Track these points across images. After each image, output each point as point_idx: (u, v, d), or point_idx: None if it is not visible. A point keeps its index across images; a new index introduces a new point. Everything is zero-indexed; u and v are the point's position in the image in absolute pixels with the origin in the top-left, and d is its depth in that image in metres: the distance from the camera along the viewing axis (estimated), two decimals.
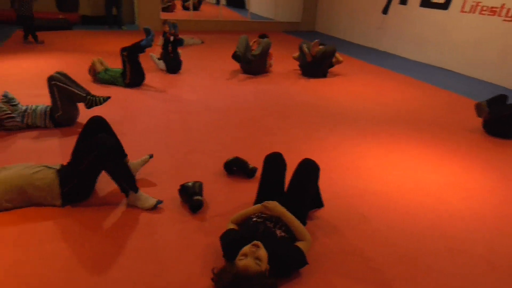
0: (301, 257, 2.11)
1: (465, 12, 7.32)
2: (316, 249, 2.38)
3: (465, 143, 4.20)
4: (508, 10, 6.56)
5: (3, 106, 3.73)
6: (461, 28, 7.41)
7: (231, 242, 2.13)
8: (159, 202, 2.70)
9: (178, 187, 2.82)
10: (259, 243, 1.98)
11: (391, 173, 3.45)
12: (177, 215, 2.65)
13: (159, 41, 6.85)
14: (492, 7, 6.83)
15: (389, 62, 8.20)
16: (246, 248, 1.95)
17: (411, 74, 7.20)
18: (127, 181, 2.67)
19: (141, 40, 5.29)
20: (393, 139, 4.18)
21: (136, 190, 2.68)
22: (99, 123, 2.93)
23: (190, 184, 2.79)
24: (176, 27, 6.54)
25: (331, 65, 6.76)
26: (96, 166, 2.62)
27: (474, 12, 7.16)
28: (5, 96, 3.84)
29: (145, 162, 3.14)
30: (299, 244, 2.16)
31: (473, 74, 7.21)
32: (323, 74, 6.65)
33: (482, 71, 7.04)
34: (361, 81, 6.55)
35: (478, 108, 4.52)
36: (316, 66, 6.51)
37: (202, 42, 9.14)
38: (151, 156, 3.16)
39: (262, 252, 1.95)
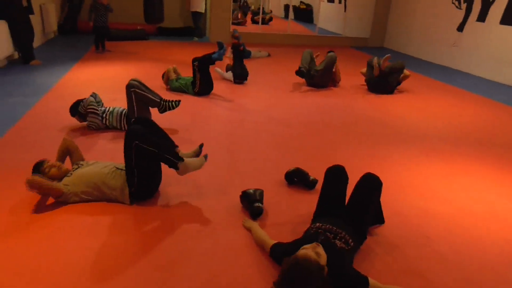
0: (362, 285, 2.03)
1: None
2: (376, 266, 2.35)
3: None
4: None
5: (93, 100, 4.08)
6: None
7: (285, 254, 2.11)
8: (206, 156, 2.90)
9: (240, 193, 2.91)
10: (319, 244, 2.02)
11: (457, 195, 3.29)
12: (238, 220, 2.73)
13: (228, 53, 7.12)
14: None
15: (461, 80, 7.83)
16: (307, 245, 2.00)
17: (485, 94, 6.81)
18: (171, 155, 2.74)
19: (213, 53, 5.53)
20: (461, 160, 3.99)
21: (182, 159, 2.76)
22: (144, 123, 3.10)
23: (251, 191, 2.88)
24: (240, 38, 6.78)
25: (399, 82, 6.60)
26: (137, 156, 2.68)
27: None
28: (93, 96, 4.20)
29: (197, 153, 3.22)
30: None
31: None
32: (390, 91, 6.51)
33: None
34: (429, 99, 6.32)
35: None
36: (382, 82, 6.39)
37: (269, 55, 9.33)
38: (201, 146, 3.24)
39: (322, 251, 1.98)
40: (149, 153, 2.69)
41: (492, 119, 5.47)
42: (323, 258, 1.96)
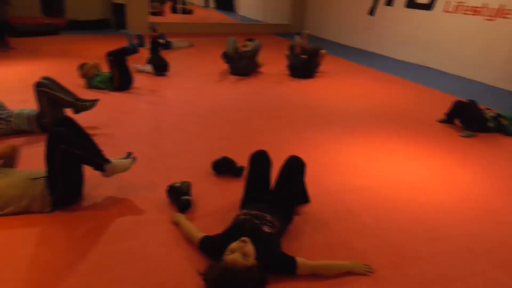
0: (290, 266, 2.11)
1: (449, 12, 7.45)
2: (305, 243, 2.44)
3: (447, 138, 4.29)
4: (490, 9, 6.69)
5: None
6: (445, 27, 7.54)
7: (214, 247, 2.16)
8: (134, 159, 2.89)
9: (166, 188, 2.85)
10: (246, 238, 2.02)
11: (377, 169, 3.51)
12: (166, 215, 2.67)
13: (146, 44, 6.87)
14: (474, 7, 6.96)
15: (376, 62, 8.31)
16: (234, 244, 1.98)
17: (397, 73, 7.31)
18: (97, 156, 2.66)
19: (129, 45, 5.31)
20: (379, 137, 4.26)
21: (109, 160, 2.69)
22: (67, 124, 2.83)
23: (178, 184, 2.83)
24: (156, 29, 6.63)
25: (318, 65, 6.84)
26: (63, 160, 2.53)
27: (457, 12, 7.29)
28: None
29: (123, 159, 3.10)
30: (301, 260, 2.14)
31: (456, 72, 7.34)
32: (311, 75, 6.73)
33: (464, 69, 7.17)
34: (348, 81, 6.64)
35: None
36: (305, 66, 6.58)
37: (192, 45, 9.18)
38: (129, 154, 3.04)
39: (249, 248, 1.98)
40: (76, 157, 2.56)
41: (403, 96, 5.89)
42: (251, 256, 1.95)
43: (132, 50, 5.28)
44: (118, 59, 5.31)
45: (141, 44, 5.30)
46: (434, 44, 7.79)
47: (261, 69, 6.97)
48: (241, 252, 1.94)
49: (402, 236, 2.57)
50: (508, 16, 6.42)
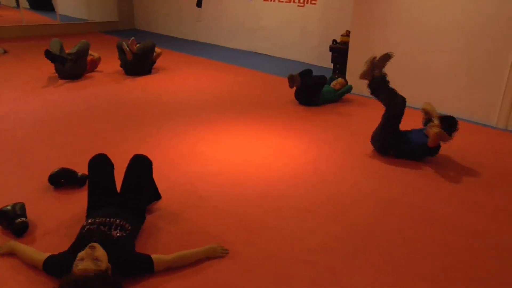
0: (146, 265, 2.10)
1: (267, 0, 8.13)
2: (162, 238, 2.44)
3: (281, 115, 4.75)
4: None
5: None
6: (266, 15, 8.21)
7: (61, 264, 1.99)
8: None
9: None
10: (95, 244, 1.92)
11: (222, 153, 3.69)
12: None
13: None
14: None
15: (209, 52, 8.59)
16: (82, 253, 1.87)
17: (229, 61, 7.70)
18: None
19: None
20: (220, 123, 4.45)
21: None
22: None
23: (9, 207, 2.50)
24: None
25: (153, 62, 6.75)
26: None
27: (274, 1, 8.01)
28: None
29: None
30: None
31: (280, 54, 8.12)
32: (148, 71, 6.60)
33: (288, 51, 7.97)
34: (185, 73, 6.73)
35: (291, 79, 5.08)
36: (139, 64, 6.41)
37: (6, 52, 8.05)
38: None
39: (100, 252, 1.90)
40: None
41: (236, 81, 6.25)
42: (103, 261, 1.88)
43: None
44: None
45: None
46: (259, 30, 8.42)
47: (96, 70, 6.57)
48: (91, 258, 1.84)
49: (251, 212, 2.77)
50: (314, 2, 7.33)
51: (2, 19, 12.04)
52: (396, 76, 4.15)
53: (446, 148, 3.71)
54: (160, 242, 2.41)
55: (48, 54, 5.73)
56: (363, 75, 3.77)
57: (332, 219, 2.72)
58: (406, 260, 2.33)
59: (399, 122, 3.60)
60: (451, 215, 2.79)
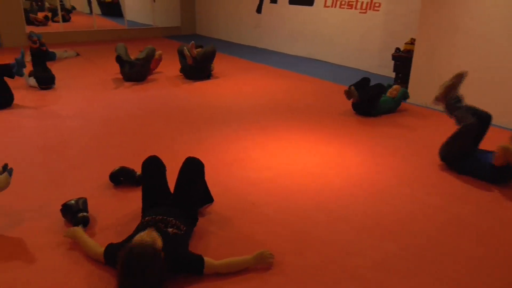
0: (198, 265, 2.12)
1: (328, 7, 8.03)
2: (212, 244, 2.45)
3: (337, 124, 4.64)
4: (362, 3, 7.37)
5: None
6: (325, 21, 8.11)
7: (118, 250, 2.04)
8: (10, 171, 2.46)
9: (60, 207, 2.66)
10: (153, 229, 2.06)
11: (276, 161, 3.67)
12: (60, 238, 2.45)
13: (27, 58, 6.28)
14: (349, 1, 7.60)
15: (267, 58, 8.62)
16: (141, 232, 2.02)
17: (288, 67, 7.67)
18: None
19: (12, 65, 4.85)
20: (275, 130, 4.44)
21: None
22: None
23: (73, 201, 2.65)
24: (41, 37, 6.04)
25: (211, 66, 6.88)
26: None
27: (335, 7, 7.89)
28: None
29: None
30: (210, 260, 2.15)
31: (340, 61, 7.95)
32: (207, 76, 6.75)
33: (347, 59, 7.80)
34: (242, 79, 6.80)
35: (348, 93, 4.98)
36: (198, 69, 6.58)
37: (78, 55, 8.62)
38: (5, 167, 2.57)
39: (156, 235, 2.01)
40: None
41: (295, 88, 6.21)
42: (158, 241, 1.97)
43: (18, 74, 4.91)
44: None
45: (21, 66, 4.85)
46: (318, 37, 8.34)
47: (158, 74, 6.83)
48: (148, 236, 1.97)
49: (302, 222, 2.71)
50: (377, 8, 7.13)
51: (76, 25, 12.91)
52: (468, 92, 3.81)
53: None
54: (210, 246, 2.43)
55: (119, 59, 6.14)
56: (438, 99, 3.65)
57: (388, 235, 2.60)
58: (468, 283, 2.16)
59: (471, 142, 3.45)
60: None
